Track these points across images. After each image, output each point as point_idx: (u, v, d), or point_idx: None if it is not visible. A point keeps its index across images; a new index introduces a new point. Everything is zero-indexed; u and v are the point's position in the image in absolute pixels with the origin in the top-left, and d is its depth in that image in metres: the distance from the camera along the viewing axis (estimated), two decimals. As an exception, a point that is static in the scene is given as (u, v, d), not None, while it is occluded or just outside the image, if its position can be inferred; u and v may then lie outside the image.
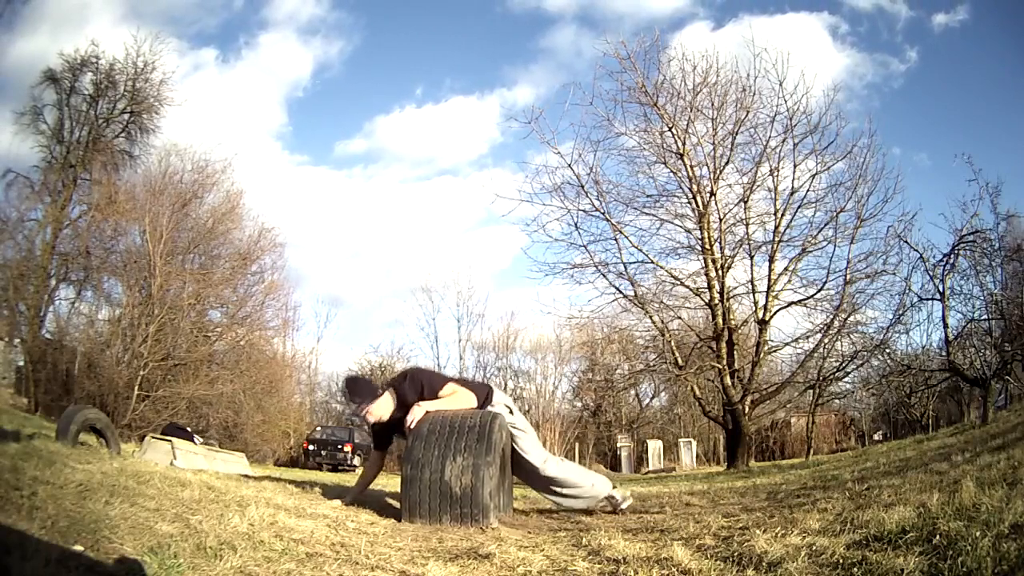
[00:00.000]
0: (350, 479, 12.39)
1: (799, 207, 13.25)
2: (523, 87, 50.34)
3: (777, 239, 13.14)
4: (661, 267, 13.82)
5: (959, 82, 40.58)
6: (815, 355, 13.38)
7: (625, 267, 13.49)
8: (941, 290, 10.66)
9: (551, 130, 14.50)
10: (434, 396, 3.64)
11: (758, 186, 13.51)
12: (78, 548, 1.82)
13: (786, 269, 13.41)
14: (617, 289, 13.57)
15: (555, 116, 23.83)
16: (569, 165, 13.23)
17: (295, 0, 49.00)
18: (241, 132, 43.75)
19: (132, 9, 36.54)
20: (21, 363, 16.38)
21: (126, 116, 19.18)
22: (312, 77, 48.11)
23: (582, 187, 13.31)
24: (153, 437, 6.76)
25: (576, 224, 13.46)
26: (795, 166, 13.12)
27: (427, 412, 3.57)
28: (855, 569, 1.83)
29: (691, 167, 13.39)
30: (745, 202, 13.48)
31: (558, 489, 3.93)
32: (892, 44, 40.66)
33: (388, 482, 9.47)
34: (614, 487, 4.05)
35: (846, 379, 14.75)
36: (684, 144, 13.30)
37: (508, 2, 48.29)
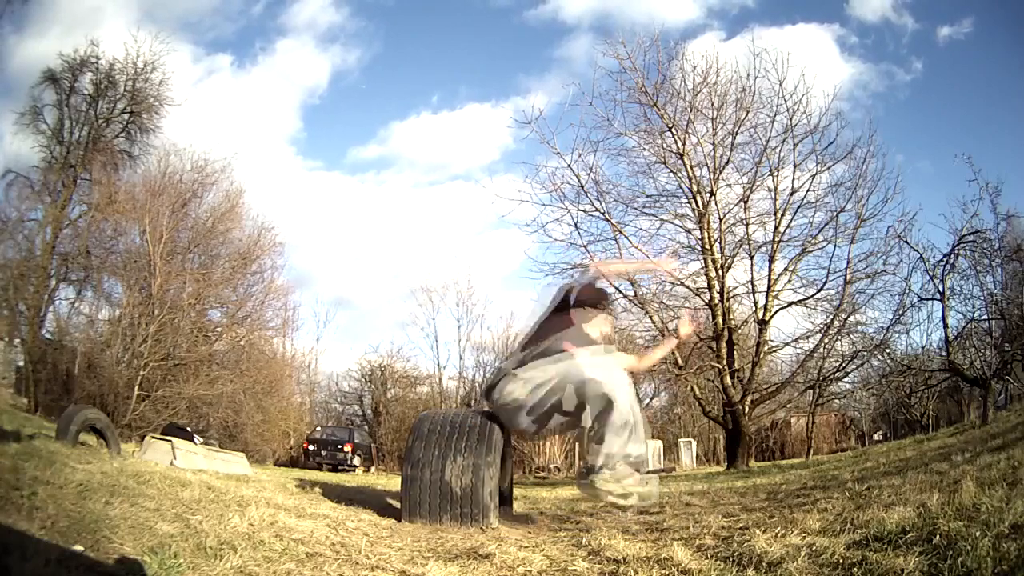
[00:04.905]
0: (350, 479, 12.39)
1: (799, 207, 13.26)
2: (538, 95, 50.72)
3: (777, 239, 13.13)
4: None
5: (962, 89, 40.84)
6: (815, 355, 13.37)
7: (625, 267, 13.46)
8: (941, 290, 10.65)
9: (551, 131, 14.43)
10: None
11: (758, 186, 13.52)
12: (78, 548, 1.82)
13: (786, 269, 13.42)
14: (617, 289, 13.56)
15: (563, 122, 23.91)
16: (569, 166, 13.23)
17: (314, 8, 49.24)
18: (255, 137, 43.80)
19: (146, 14, 36.55)
20: (21, 363, 16.35)
21: (126, 116, 19.14)
22: (329, 84, 48.38)
23: (582, 187, 13.31)
24: (153, 437, 6.75)
25: (576, 224, 13.46)
26: (795, 166, 13.14)
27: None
28: (855, 569, 1.83)
29: (691, 167, 13.38)
30: (745, 202, 13.49)
31: None
32: (898, 55, 41.06)
33: (388, 482, 9.49)
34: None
35: (846, 379, 14.76)
36: (684, 144, 13.30)
37: (525, 12, 48.66)
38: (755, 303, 13.52)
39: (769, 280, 13.20)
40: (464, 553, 2.48)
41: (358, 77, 48.34)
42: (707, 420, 18.02)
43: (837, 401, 18.99)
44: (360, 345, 56.32)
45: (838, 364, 13.66)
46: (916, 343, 17.18)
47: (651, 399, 26.94)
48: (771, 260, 13.20)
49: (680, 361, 13.48)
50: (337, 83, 48.46)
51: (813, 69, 27.56)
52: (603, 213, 13.37)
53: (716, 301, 13.17)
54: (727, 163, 13.46)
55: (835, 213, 12.82)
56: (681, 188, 13.72)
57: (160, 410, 14.94)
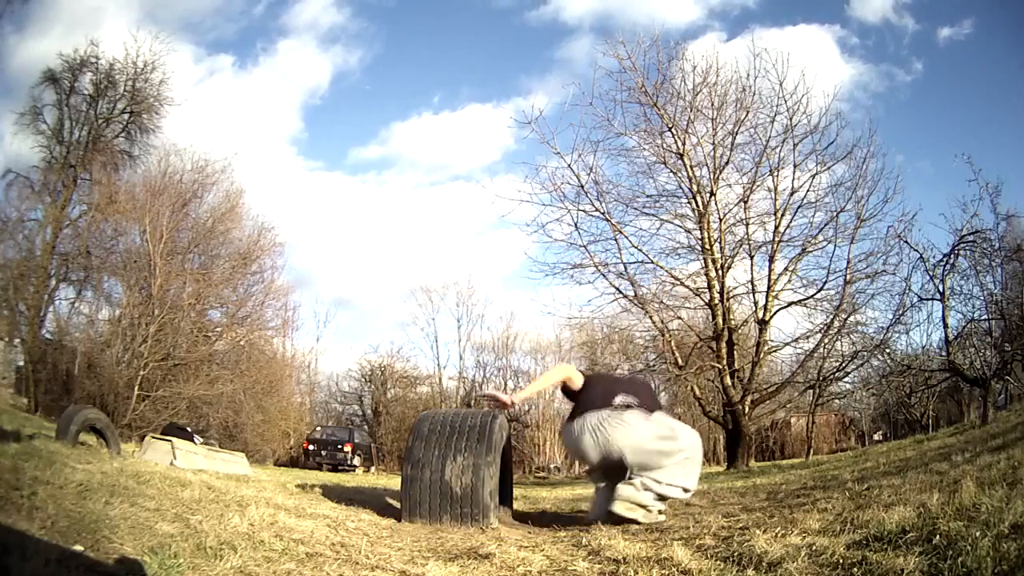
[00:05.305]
0: (350, 479, 12.40)
1: (799, 207, 13.25)
2: (539, 96, 51.03)
3: (777, 239, 13.13)
4: (661, 267, 13.82)
5: (962, 89, 41.01)
6: (815, 355, 13.36)
7: (625, 267, 13.48)
8: (941, 290, 10.65)
9: (551, 131, 14.42)
10: None
11: (758, 186, 13.51)
12: (78, 548, 1.82)
13: (786, 269, 13.41)
14: (617, 289, 13.57)
15: (563, 122, 24.22)
16: (569, 166, 13.23)
17: (315, 8, 49.44)
18: (256, 137, 44.02)
19: (147, 14, 36.79)
20: (21, 363, 16.36)
21: (126, 116, 19.15)
22: (331, 85, 48.52)
23: (582, 187, 13.31)
24: (153, 437, 6.75)
25: (576, 224, 13.45)
26: (795, 166, 13.13)
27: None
28: (855, 569, 1.83)
29: (691, 167, 13.38)
30: (745, 202, 13.48)
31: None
32: (898, 56, 41.23)
33: (388, 482, 9.49)
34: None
35: (846, 379, 14.75)
36: (684, 144, 13.30)
37: (526, 13, 48.85)
38: (755, 303, 13.51)
39: (769, 280, 13.20)
40: (464, 553, 2.48)
41: (360, 78, 48.57)
42: (707, 420, 18.02)
43: (837, 401, 18.99)
44: (360, 345, 56.52)
45: (838, 364, 13.65)
46: (916, 343, 17.20)
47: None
48: (771, 260, 13.20)
49: (680, 361, 13.48)
50: (338, 83, 48.67)
51: (813, 69, 27.58)
52: (603, 213, 13.38)
53: (716, 301, 13.17)
54: (727, 163, 13.46)
55: (835, 213, 12.83)
56: (681, 188, 13.72)
57: (160, 410, 14.95)
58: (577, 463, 23.60)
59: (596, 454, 3.68)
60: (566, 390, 4.01)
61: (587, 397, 3.80)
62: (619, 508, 3.49)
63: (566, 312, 13.81)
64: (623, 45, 13.43)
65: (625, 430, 3.60)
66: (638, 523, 3.44)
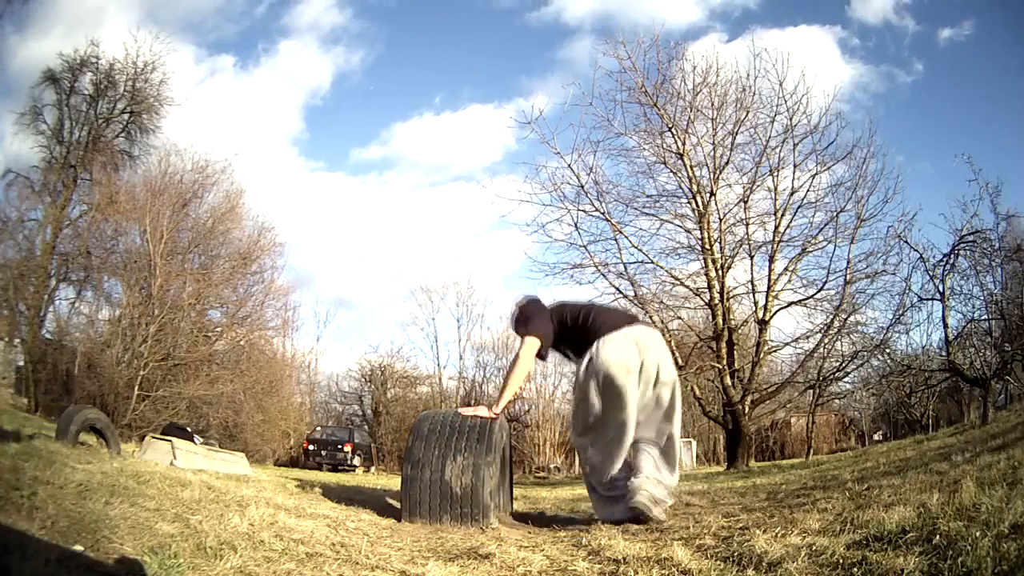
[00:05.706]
0: (350, 479, 12.40)
1: (799, 207, 13.28)
2: (540, 96, 51.36)
3: (777, 239, 13.14)
4: (661, 267, 13.83)
5: (962, 90, 41.09)
6: (815, 355, 13.37)
7: (625, 267, 13.50)
8: (941, 290, 10.65)
9: (551, 131, 14.44)
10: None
11: (758, 186, 13.54)
12: (78, 548, 1.82)
13: (786, 269, 13.43)
14: (617, 289, 13.58)
15: (564, 122, 24.40)
16: (569, 166, 13.24)
17: (317, 9, 49.60)
18: (257, 138, 44.12)
19: (148, 15, 36.97)
20: (21, 363, 16.36)
21: (126, 116, 19.16)
22: (332, 85, 48.63)
23: (582, 187, 13.32)
24: (153, 437, 6.75)
25: (576, 224, 13.47)
26: (795, 166, 13.15)
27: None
28: (855, 569, 1.83)
29: (691, 167, 13.39)
30: (745, 202, 13.49)
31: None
32: (899, 57, 41.32)
33: (388, 482, 9.49)
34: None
35: (846, 379, 14.78)
36: (684, 144, 13.31)
37: (527, 14, 49.01)
38: (755, 303, 13.53)
39: (769, 280, 13.21)
40: (464, 553, 2.48)
41: (361, 78, 48.70)
42: (707, 420, 18.02)
43: (837, 401, 19.02)
44: (360, 345, 56.59)
45: (838, 364, 13.67)
46: (916, 343, 17.22)
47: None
48: (771, 260, 13.21)
49: (680, 361, 13.48)
50: (340, 84, 48.77)
51: (814, 70, 27.54)
52: (603, 213, 13.39)
53: (716, 301, 13.18)
54: (727, 163, 13.48)
55: (835, 213, 12.85)
56: (681, 188, 13.74)
57: (160, 410, 14.95)
58: (576, 462, 23.57)
59: (635, 362, 3.39)
60: (543, 354, 3.80)
61: (612, 319, 3.62)
62: (642, 501, 3.34)
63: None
64: (623, 45, 13.48)
65: (661, 343, 3.63)
66: (659, 520, 3.38)
